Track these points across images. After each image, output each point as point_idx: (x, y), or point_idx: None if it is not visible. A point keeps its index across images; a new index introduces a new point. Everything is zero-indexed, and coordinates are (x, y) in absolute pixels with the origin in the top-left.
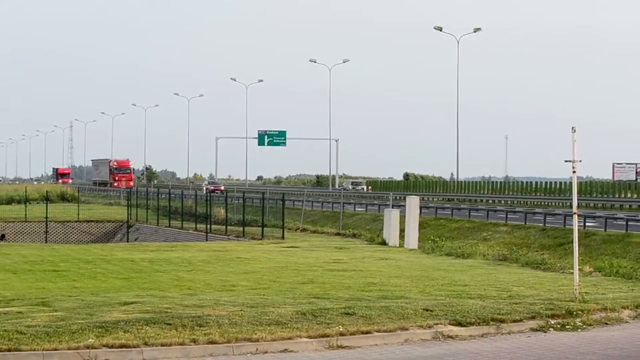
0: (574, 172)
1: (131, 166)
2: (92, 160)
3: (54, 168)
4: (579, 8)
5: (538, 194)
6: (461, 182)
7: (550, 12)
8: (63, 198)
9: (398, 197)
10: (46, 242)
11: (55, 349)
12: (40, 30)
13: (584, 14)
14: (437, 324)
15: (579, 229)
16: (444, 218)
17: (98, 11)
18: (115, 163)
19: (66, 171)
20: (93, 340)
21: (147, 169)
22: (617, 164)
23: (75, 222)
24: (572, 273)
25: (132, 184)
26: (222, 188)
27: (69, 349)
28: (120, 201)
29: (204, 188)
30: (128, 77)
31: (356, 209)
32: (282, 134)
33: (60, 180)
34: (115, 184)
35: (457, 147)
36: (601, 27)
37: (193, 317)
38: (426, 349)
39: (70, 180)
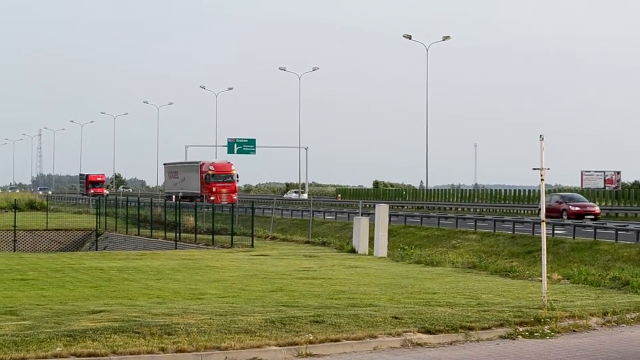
0: (542, 179)
1: (234, 171)
2: (165, 165)
3: (82, 174)
4: (547, 17)
5: (507, 201)
6: (431, 190)
7: (519, 21)
8: (32, 206)
9: (367, 205)
10: (14, 250)
11: (23, 358)
12: (4, 35)
13: (551, 23)
14: (406, 331)
15: (547, 237)
16: (414, 226)
17: (66, 18)
18: (211, 167)
19: (99, 178)
20: (61, 349)
21: (116, 177)
22: (586, 171)
23: (44, 230)
24: (541, 280)
25: (235, 197)
26: (598, 210)
27: (36, 358)
28: (89, 209)
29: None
30: (97, 85)
31: (326, 217)
32: (251, 141)
33: (92, 191)
34: (212, 198)
35: (426, 155)
36: (569, 36)
37: (162, 326)
38: (395, 356)
39: (106, 191)
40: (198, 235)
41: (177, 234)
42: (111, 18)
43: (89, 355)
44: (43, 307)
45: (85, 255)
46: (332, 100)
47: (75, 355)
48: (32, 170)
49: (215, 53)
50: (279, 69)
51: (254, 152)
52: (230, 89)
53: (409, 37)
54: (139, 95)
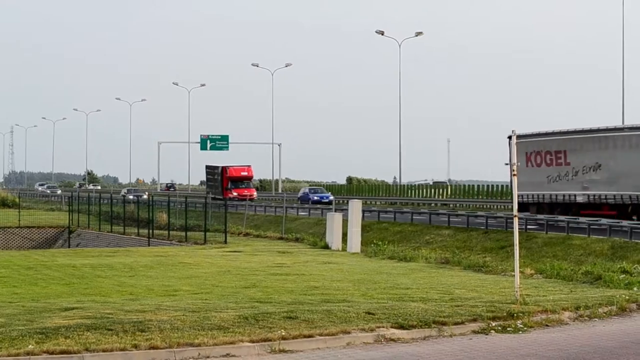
0: (513, 174)
1: None
2: (519, 137)
3: (212, 166)
4: (518, 14)
5: (480, 197)
6: (404, 185)
7: (491, 18)
8: (3, 204)
9: (341, 201)
10: None
11: None
12: None
13: (522, 21)
14: (379, 327)
15: (520, 232)
16: (387, 222)
17: (37, 14)
18: None
19: (244, 172)
20: (33, 347)
21: (88, 173)
22: None
23: (16, 228)
24: (514, 275)
25: None
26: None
27: (8, 356)
28: (61, 206)
29: None
30: (69, 81)
31: (299, 213)
32: (224, 138)
33: (234, 192)
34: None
35: (399, 150)
36: (539, 34)
37: (135, 323)
38: (368, 352)
39: (255, 193)
40: (171, 232)
41: (150, 231)
42: (83, 14)
43: (62, 352)
44: (15, 304)
45: (57, 252)
46: (305, 97)
47: (47, 352)
48: (4, 168)
49: (188, 49)
50: (252, 65)
51: (227, 148)
52: (203, 85)
53: (382, 33)
54: (111, 91)
